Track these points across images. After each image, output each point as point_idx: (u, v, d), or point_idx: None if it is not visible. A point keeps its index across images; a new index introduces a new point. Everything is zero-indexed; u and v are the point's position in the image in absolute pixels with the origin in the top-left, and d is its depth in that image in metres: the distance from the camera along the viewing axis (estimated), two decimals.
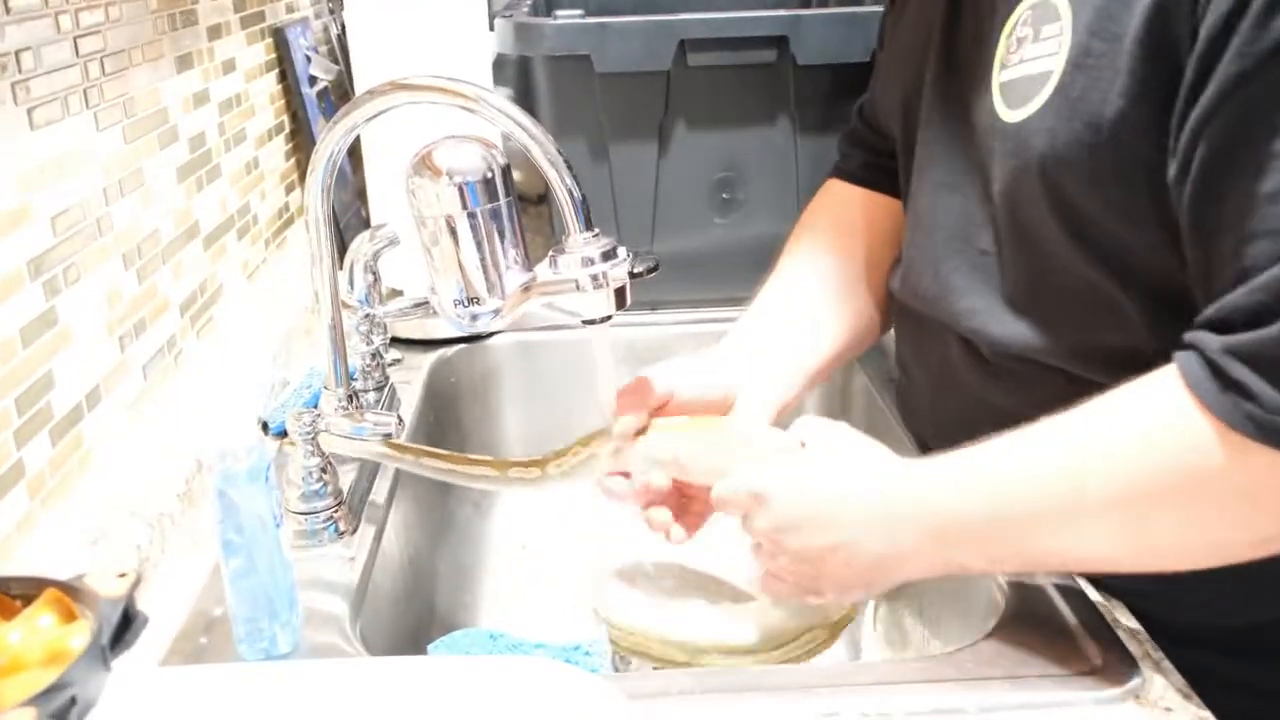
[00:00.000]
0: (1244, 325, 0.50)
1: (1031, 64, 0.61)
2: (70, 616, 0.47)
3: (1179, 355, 0.53)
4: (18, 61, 0.66)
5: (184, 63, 0.94)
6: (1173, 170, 0.54)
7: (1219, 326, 0.52)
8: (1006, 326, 0.66)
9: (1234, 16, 0.49)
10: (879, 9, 1.23)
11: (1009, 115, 0.62)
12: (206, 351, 0.94)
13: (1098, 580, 0.68)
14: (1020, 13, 0.62)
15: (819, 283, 0.86)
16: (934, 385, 0.79)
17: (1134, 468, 0.55)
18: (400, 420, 0.85)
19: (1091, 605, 0.66)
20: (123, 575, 0.49)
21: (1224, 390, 0.50)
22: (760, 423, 0.76)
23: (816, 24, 1.14)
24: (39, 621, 0.47)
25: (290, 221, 1.24)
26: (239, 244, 1.06)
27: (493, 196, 0.76)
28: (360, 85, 1.20)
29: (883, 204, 0.88)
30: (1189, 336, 0.53)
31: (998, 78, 0.64)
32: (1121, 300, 0.61)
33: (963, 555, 0.61)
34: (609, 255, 0.73)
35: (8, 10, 0.64)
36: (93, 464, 0.73)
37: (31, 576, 0.49)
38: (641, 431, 0.72)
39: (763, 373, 0.79)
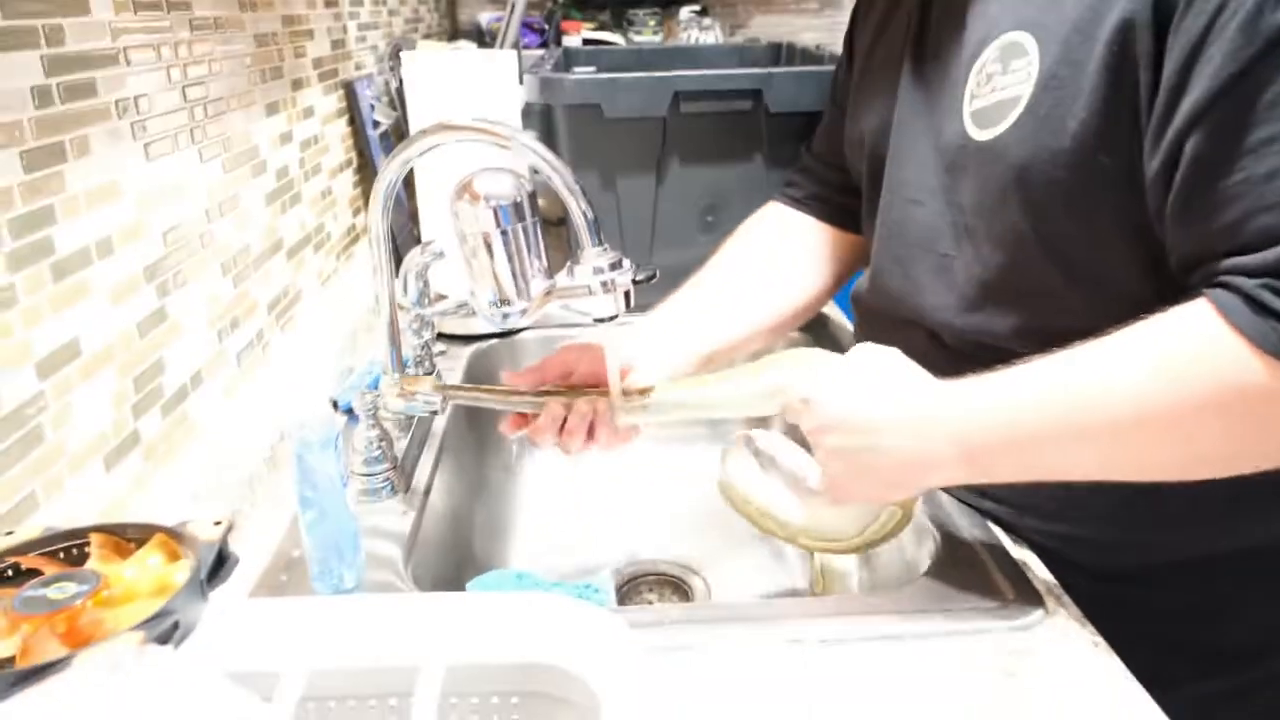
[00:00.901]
0: (1274, 270, 0.47)
1: (1002, 92, 0.58)
2: (175, 557, 0.47)
3: (1212, 293, 0.49)
4: (135, 105, 0.65)
5: (272, 109, 0.93)
6: (1154, 167, 0.51)
7: (1249, 272, 0.48)
8: (966, 318, 0.64)
9: (1209, 31, 0.47)
10: (834, 69, 1.22)
11: (981, 135, 0.60)
12: (288, 344, 0.93)
13: (1014, 531, 0.68)
14: (988, 53, 0.60)
15: (731, 281, 0.84)
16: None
17: (1174, 385, 0.50)
18: (446, 399, 0.84)
19: (1006, 552, 0.65)
20: (218, 523, 0.49)
21: (1262, 317, 0.47)
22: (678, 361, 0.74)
23: (785, 80, 1.13)
24: (149, 560, 0.46)
25: (356, 239, 1.23)
26: (315, 256, 1.05)
27: (521, 217, 0.75)
28: (414, 127, 1.19)
29: (811, 225, 0.87)
30: (1221, 279, 0.49)
31: (969, 107, 0.61)
32: (1067, 289, 0.59)
33: (991, 468, 0.56)
34: (616, 265, 0.72)
35: (127, 62, 0.64)
36: (196, 434, 0.72)
37: (144, 523, 0.49)
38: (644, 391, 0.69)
39: (654, 352, 0.76)
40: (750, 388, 0.65)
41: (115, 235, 0.62)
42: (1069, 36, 0.53)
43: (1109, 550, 0.64)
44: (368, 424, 0.76)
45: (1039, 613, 0.59)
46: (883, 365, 0.60)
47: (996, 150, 0.58)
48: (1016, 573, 0.63)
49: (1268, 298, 0.47)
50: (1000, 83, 0.58)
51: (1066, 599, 0.60)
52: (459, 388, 0.81)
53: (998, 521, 0.68)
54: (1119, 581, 0.64)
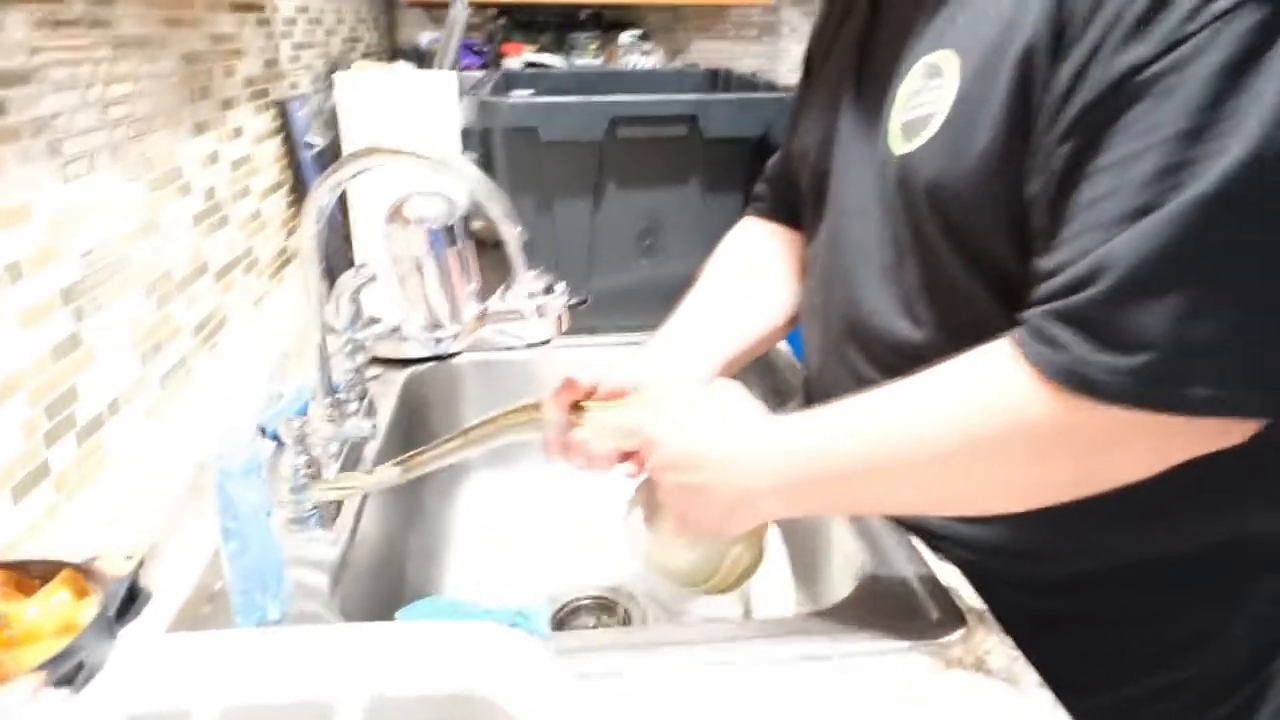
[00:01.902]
0: (1061, 294, 0.49)
1: (923, 107, 0.60)
2: (83, 593, 0.45)
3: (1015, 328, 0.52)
4: (51, 124, 0.63)
5: (200, 128, 0.91)
6: (1036, 186, 0.53)
7: (1043, 299, 0.51)
8: (903, 323, 0.65)
9: (1085, 62, 0.49)
10: (770, 95, 1.25)
11: (902, 148, 0.62)
12: (214, 368, 0.91)
13: (938, 547, 0.69)
14: (916, 69, 0.62)
15: (729, 291, 0.85)
16: (841, 383, 0.76)
17: (963, 420, 0.52)
18: (375, 426, 0.83)
19: (930, 571, 0.67)
20: (129, 557, 0.47)
21: (1042, 345, 0.49)
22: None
23: (720, 106, 1.15)
24: (54, 598, 0.45)
25: (288, 261, 1.21)
26: (245, 278, 1.03)
27: (453, 241, 0.75)
28: (348, 149, 1.18)
29: (785, 233, 0.88)
30: (1023, 313, 0.52)
31: (897, 120, 0.63)
32: (988, 297, 0.60)
33: (804, 503, 0.61)
34: (549, 289, 0.72)
35: (44, 81, 0.62)
36: (113, 463, 0.70)
37: (49, 560, 0.47)
38: (578, 410, 0.70)
39: (672, 366, 0.78)
40: (616, 423, 0.68)
41: (26, 258, 0.60)
42: (984, 58, 0.55)
43: (1036, 559, 0.66)
44: (295, 451, 0.75)
45: (962, 630, 0.60)
46: (720, 403, 0.63)
47: (913, 164, 0.60)
48: (940, 591, 0.64)
49: (1047, 324, 0.49)
50: (922, 98, 0.61)
51: (988, 616, 0.62)
52: (392, 465, 0.77)
53: (927, 532, 0.69)
54: (1044, 593, 0.66)
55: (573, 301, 0.76)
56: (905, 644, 0.59)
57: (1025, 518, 0.57)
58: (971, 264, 0.60)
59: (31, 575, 0.46)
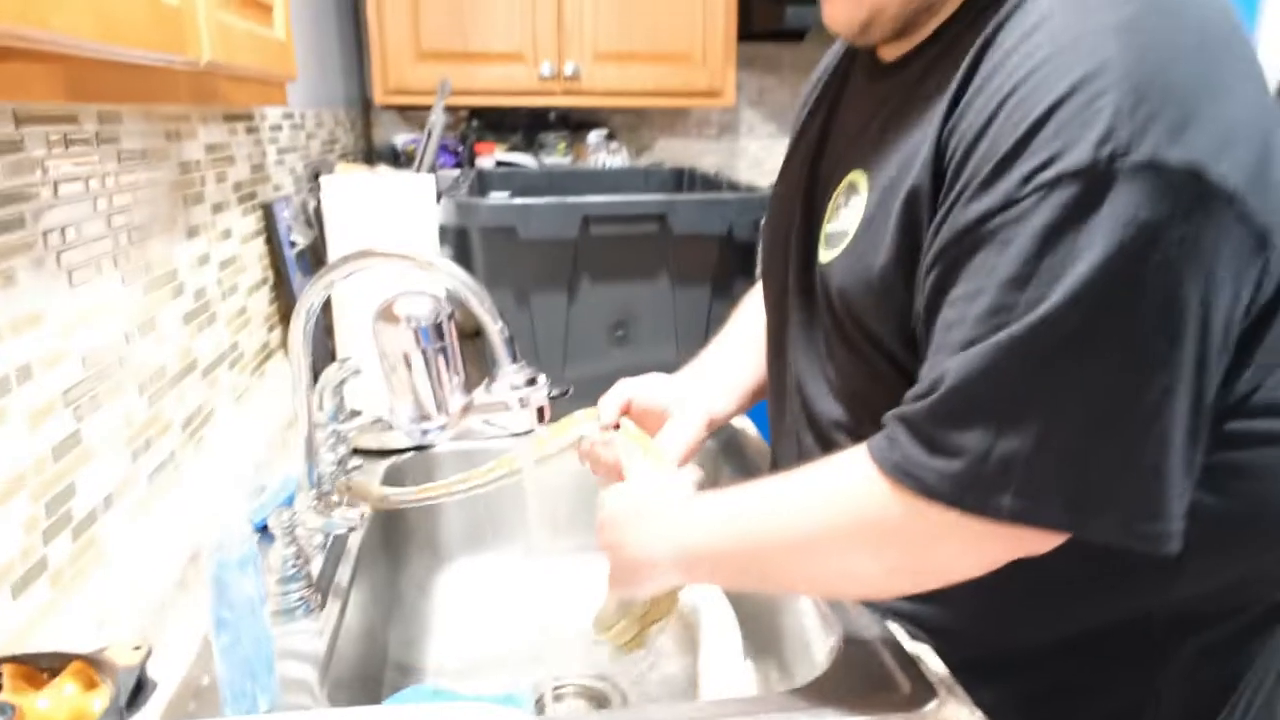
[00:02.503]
0: (909, 401, 0.56)
1: (841, 222, 0.67)
2: (92, 685, 0.47)
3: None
4: (62, 235, 0.67)
5: (192, 232, 0.95)
6: (919, 304, 0.60)
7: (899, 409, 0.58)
8: (836, 407, 0.71)
9: (951, 204, 0.55)
10: (732, 196, 1.33)
11: (824, 257, 0.68)
12: (202, 462, 0.93)
13: (906, 621, 0.72)
14: (840, 187, 0.68)
15: (748, 338, 0.92)
16: (790, 461, 0.81)
17: (825, 510, 0.60)
18: (362, 516, 0.85)
19: (901, 646, 0.69)
20: (137, 648, 0.49)
21: (885, 443, 0.57)
22: (691, 429, 0.85)
23: (688, 206, 1.22)
24: (64, 690, 0.46)
25: (270, 355, 1.24)
26: (229, 374, 1.06)
27: (440, 337, 0.79)
28: (332, 247, 1.23)
29: None
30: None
31: (825, 229, 0.70)
32: (906, 387, 0.65)
33: (699, 574, 0.69)
34: (532, 382, 0.76)
35: (56, 194, 0.66)
36: (105, 559, 0.71)
37: (59, 652, 0.48)
38: (616, 426, 0.84)
39: (701, 391, 0.88)
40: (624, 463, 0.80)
41: (36, 362, 0.63)
42: (885, 188, 0.62)
43: (972, 637, 0.69)
44: (284, 542, 0.77)
45: (934, 702, 0.63)
46: (658, 481, 0.74)
47: (830, 272, 0.68)
48: (911, 665, 0.67)
49: (892, 426, 0.57)
50: (842, 214, 0.67)
51: (958, 688, 0.65)
52: (407, 492, 0.86)
53: (895, 613, 0.72)
54: (983, 670, 0.68)
55: (554, 393, 0.80)
56: (881, 718, 0.61)
57: (952, 596, 0.61)
58: (887, 360, 0.66)
59: (40, 668, 0.48)
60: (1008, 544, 0.55)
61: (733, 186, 1.46)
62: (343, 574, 0.85)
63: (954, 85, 0.57)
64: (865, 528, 0.58)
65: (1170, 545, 0.53)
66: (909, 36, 0.65)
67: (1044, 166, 0.50)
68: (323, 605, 0.79)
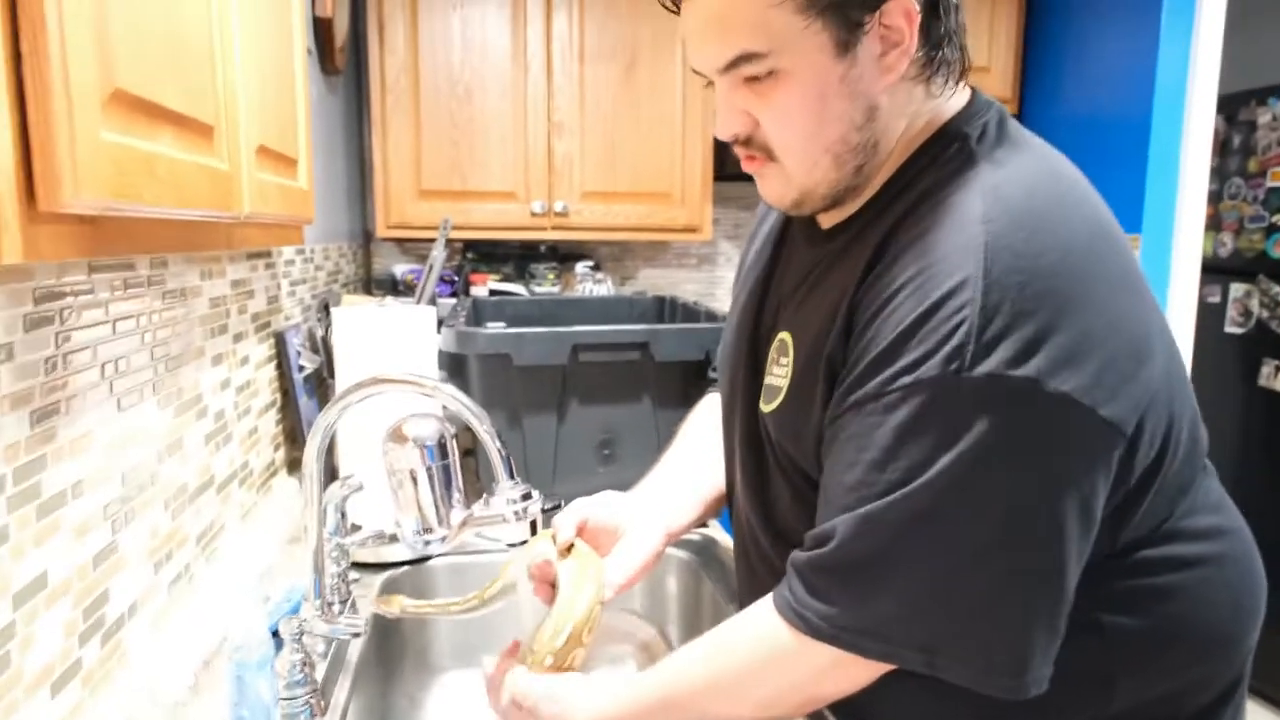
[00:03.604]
0: (803, 549, 0.66)
1: (775, 378, 0.74)
2: None
3: None
4: (116, 366, 0.75)
5: (217, 360, 1.04)
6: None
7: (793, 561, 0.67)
8: (773, 523, 0.77)
9: (842, 384, 0.64)
10: (710, 325, 1.44)
11: (764, 406, 0.75)
12: (213, 574, 0.98)
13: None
14: (775, 344, 0.75)
15: (703, 448, 0.97)
16: (743, 571, 0.88)
17: (733, 651, 0.68)
18: (366, 623, 0.91)
19: None
20: None
21: (784, 588, 0.66)
22: (644, 547, 0.89)
23: (668, 335, 1.33)
24: None
25: (275, 473, 1.30)
26: (239, 490, 1.12)
27: (444, 456, 0.87)
28: (341, 372, 1.31)
29: None
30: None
31: (764, 379, 0.76)
32: None
33: None
34: (527, 496, 0.84)
35: (114, 330, 0.75)
36: (128, 663, 0.76)
37: None
38: (569, 548, 0.87)
39: (655, 507, 0.92)
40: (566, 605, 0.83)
41: (86, 478, 0.70)
42: (808, 354, 0.69)
43: None
44: (292, 648, 0.82)
45: None
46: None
47: (768, 422, 0.75)
48: None
49: (791, 575, 0.66)
50: (775, 370, 0.74)
51: None
52: (418, 605, 0.91)
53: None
54: None
55: (547, 506, 0.88)
56: None
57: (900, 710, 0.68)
58: (815, 489, 0.71)
59: None
60: (875, 672, 0.64)
61: (710, 315, 1.58)
62: (343, 684, 0.90)
63: (862, 267, 0.65)
64: (768, 660, 0.66)
65: (1028, 693, 0.61)
66: (843, 206, 0.71)
67: (906, 371, 0.59)
68: (325, 709, 0.83)
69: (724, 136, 0.68)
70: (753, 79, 0.64)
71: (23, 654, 0.60)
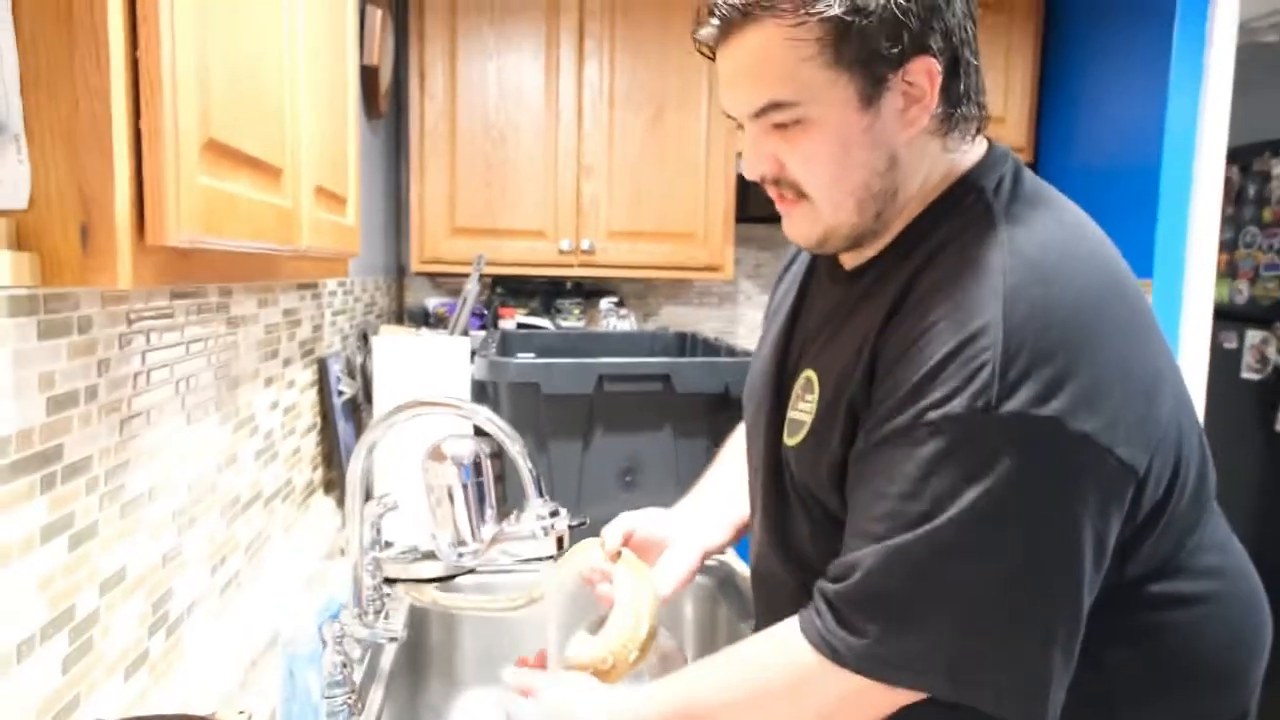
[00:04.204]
0: (830, 580, 0.67)
1: (800, 414, 0.76)
2: None
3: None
4: (188, 383, 0.83)
5: (268, 382, 1.12)
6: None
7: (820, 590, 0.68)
8: (792, 552, 0.80)
9: (869, 421, 0.66)
10: (729, 360, 1.50)
11: (788, 440, 0.77)
12: (259, 582, 1.04)
13: None
14: (800, 381, 0.78)
15: (735, 475, 0.99)
16: (762, 597, 0.91)
17: (757, 671, 0.70)
18: (404, 628, 0.96)
19: None
20: (242, 712, 0.61)
21: (814, 615, 0.67)
22: (686, 560, 0.93)
23: (690, 368, 1.39)
24: None
25: (313, 491, 1.37)
26: (282, 506, 1.19)
27: (480, 474, 0.93)
28: (379, 397, 1.39)
29: None
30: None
31: (789, 415, 0.78)
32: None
33: None
34: (555, 514, 0.90)
35: (188, 351, 0.83)
36: (186, 657, 0.83)
37: (182, 714, 0.60)
38: (617, 555, 0.92)
39: (695, 525, 0.96)
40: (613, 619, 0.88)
41: (159, 485, 0.77)
42: (833, 394, 0.71)
43: None
44: (334, 649, 0.88)
45: None
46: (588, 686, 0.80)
47: (790, 457, 0.77)
48: None
49: (818, 600, 0.67)
50: (800, 405, 0.76)
51: None
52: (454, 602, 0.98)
53: None
54: None
55: (574, 523, 0.94)
56: None
57: None
58: (837, 526, 0.73)
59: None
60: (897, 700, 0.66)
61: (730, 350, 1.64)
62: (378, 688, 0.96)
63: (884, 313, 0.68)
64: (791, 683, 0.68)
65: (1045, 717, 0.63)
66: (864, 248, 0.74)
67: (933, 407, 0.61)
68: (362, 709, 0.89)
69: (751, 177, 0.72)
70: (781, 125, 0.67)
71: (103, 639, 0.67)
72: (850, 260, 0.78)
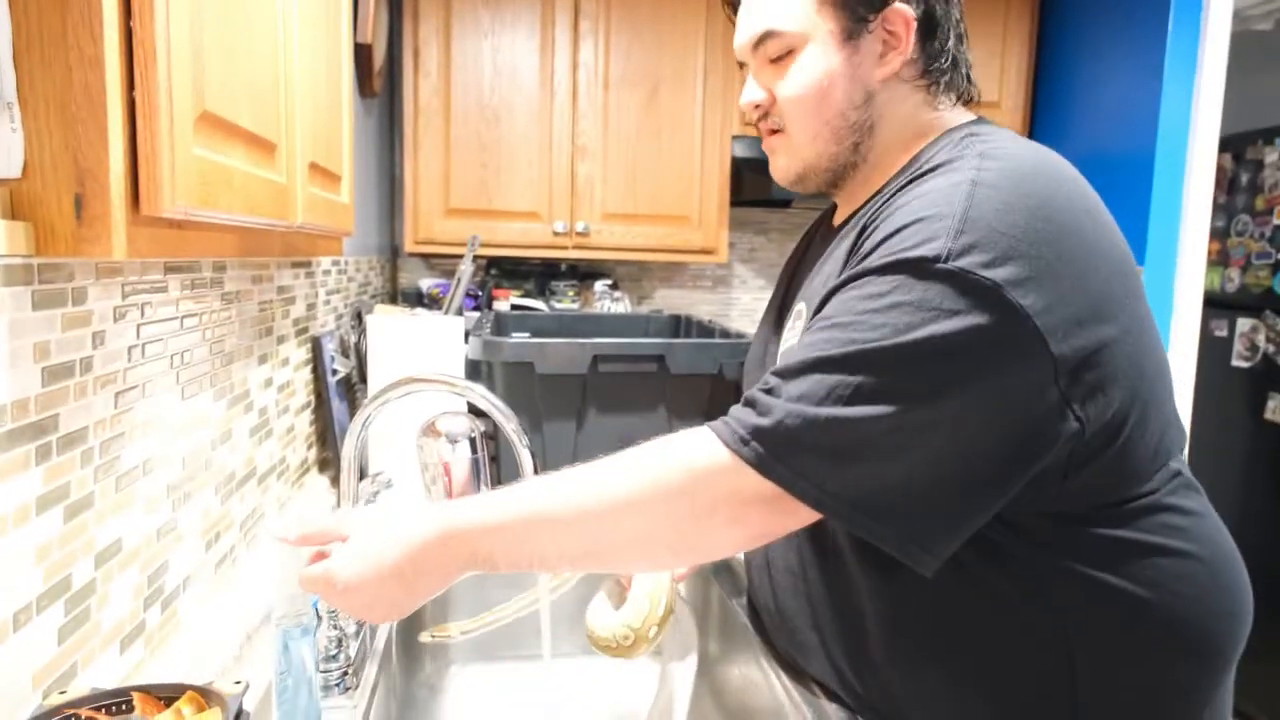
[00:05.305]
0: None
1: (789, 341, 0.80)
2: (202, 708, 0.58)
3: None
4: (182, 358, 0.83)
5: (262, 359, 1.12)
6: None
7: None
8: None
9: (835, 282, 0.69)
10: (724, 341, 1.50)
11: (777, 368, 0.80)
12: (253, 560, 1.05)
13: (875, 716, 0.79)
14: (792, 314, 0.82)
15: None
16: (777, 580, 0.90)
17: (642, 467, 0.67)
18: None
19: None
20: (238, 683, 0.61)
21: (726, 421, 0.66)
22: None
23: (684, 349, 1.39)
24: (183, 711, 0.58)
25: (308, 470, 1.37)
26: (277, 484, 1.19)
27: (474, 450, 0.94)
28: (373, 376, 1.39)
29: None
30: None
31: (781, 348, 0.82)
32: None
33: (478, 551, 0.67)
34: None
35: (182, 325, 0.83)
36: (180, 630, 0.83)
37: (177, 684, 0.60)
38: None
39: None
40: None
41: (154, 458, 0.77)
42: (816, 308, 0.75)
43: None
44: (329, 624, 0.88)
45: None
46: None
47: None
48: None
49: (736, 408, 0.66)
50: (787, 335, 0.81)
51: None
52: (474, 622, 0.98)
53: (873, 709, 0.79)
54: None
55: None
56: None
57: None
58: None
59: (160, 697, 0.59)
60: (770, 515, 0.65)
61: (724, 332, 1.64)
62: (370, 666, 0.96)
63: (864, 223, 0.73)
64: (698, 490, 0.65)
65: (931, 569, 0.64)
66: (845, 197, 0.82)
67: (885, 255, 0.65)
68: (357, 685, 0.89)
69: (745, 103, 0.82)
70: (776, 61, 0.78)
71: (100, 610, 0.67)
72: (839, 216, 0.84)
